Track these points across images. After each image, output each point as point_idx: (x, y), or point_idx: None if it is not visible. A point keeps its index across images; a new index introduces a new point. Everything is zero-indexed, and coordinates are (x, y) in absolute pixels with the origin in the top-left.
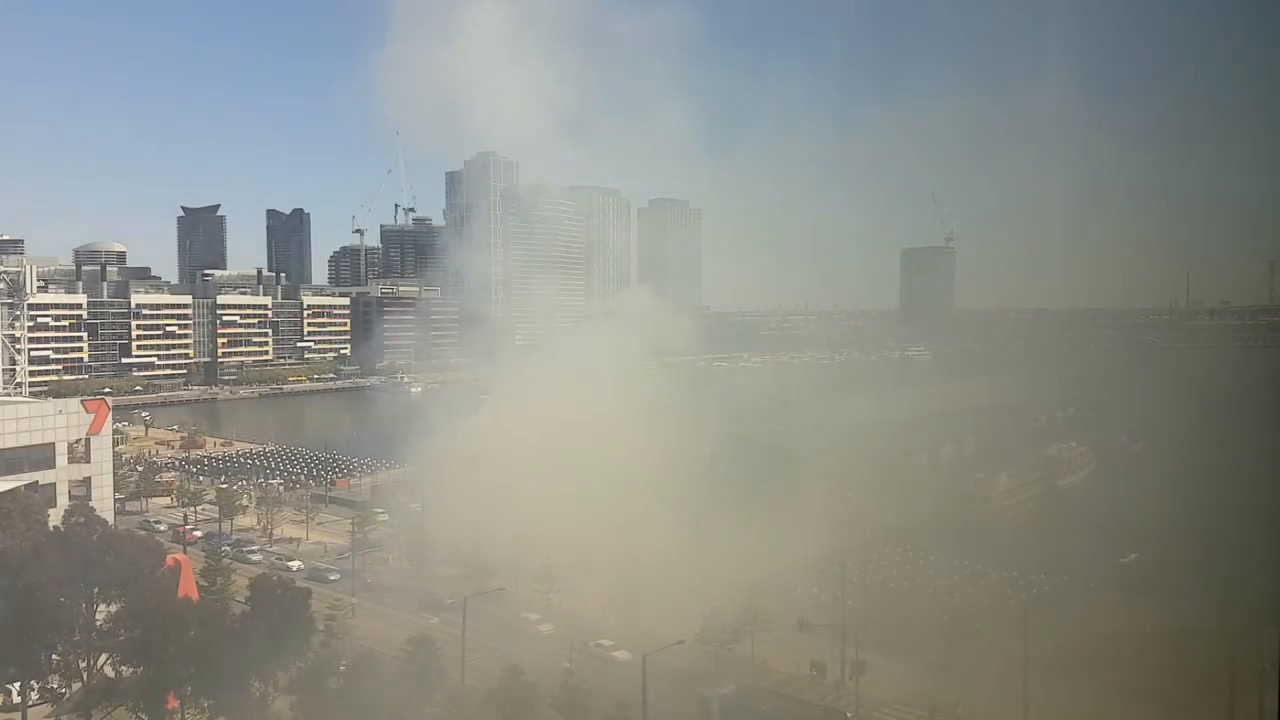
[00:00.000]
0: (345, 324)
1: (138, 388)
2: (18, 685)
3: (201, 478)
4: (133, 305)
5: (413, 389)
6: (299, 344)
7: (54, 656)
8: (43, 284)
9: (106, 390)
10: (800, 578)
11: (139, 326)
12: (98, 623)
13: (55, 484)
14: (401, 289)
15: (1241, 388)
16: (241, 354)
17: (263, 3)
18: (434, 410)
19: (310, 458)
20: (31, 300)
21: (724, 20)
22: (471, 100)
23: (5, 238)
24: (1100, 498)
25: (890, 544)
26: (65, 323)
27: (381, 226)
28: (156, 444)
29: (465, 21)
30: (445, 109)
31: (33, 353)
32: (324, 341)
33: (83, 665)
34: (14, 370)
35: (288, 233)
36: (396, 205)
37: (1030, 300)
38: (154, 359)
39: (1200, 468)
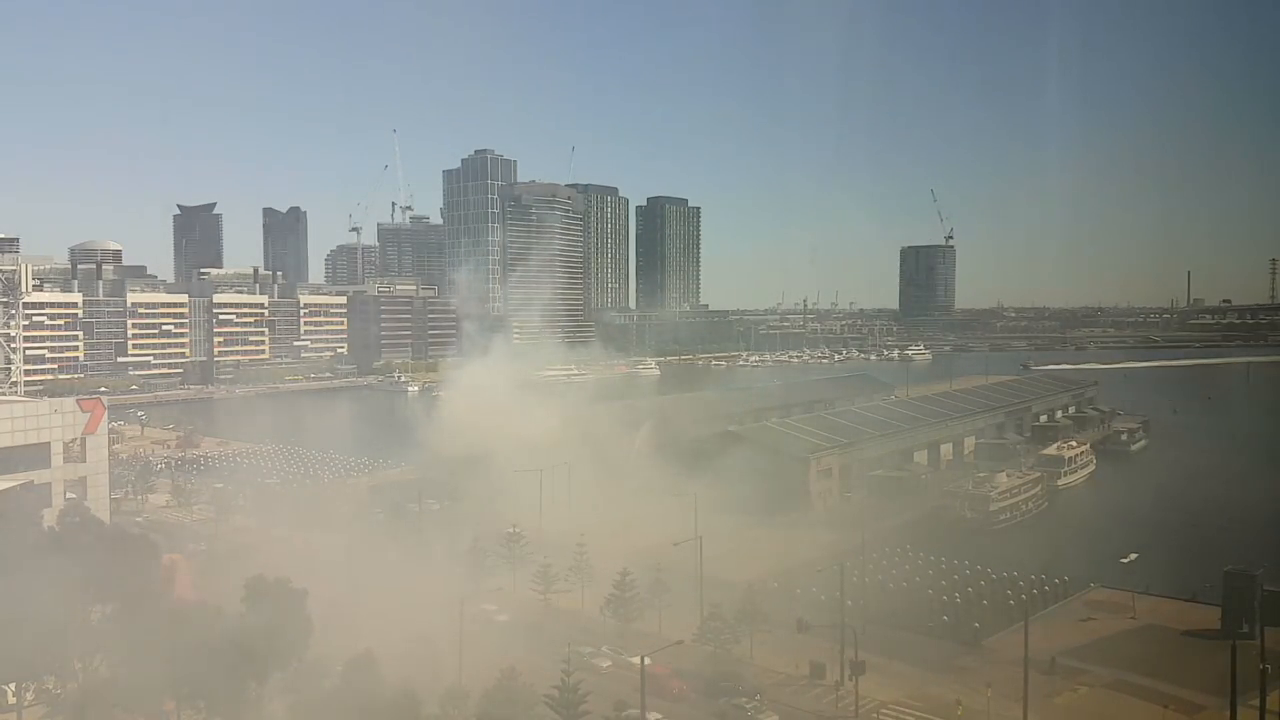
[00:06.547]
0: (342, 323)
1: (133, 387)
2: (13, 686)
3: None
4: (128, 304)
5: (410, 389)
6: (295, 343)
7: (49, 657)
8: (38, 283)
9: (102, 389)
10: (800, 577)
11: (135, 325)
12: (93, 623)
13: (51, 484)
14: (399, 288)
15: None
16: (238, 353)
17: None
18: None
19: (308, 457)
20: (27, 299)
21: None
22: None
23: (0, 236)
24: (1100, 498)
25: (890, 543)
26: (61, 321)
27: (379, 225)
28: (152, 444)
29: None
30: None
31: (28, 351)
32: (321, 340)
33: (78, 666)
34: (9, 369)
35: (284, 231)
36: (394, 204)
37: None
38: (150, 358)
39: (1200, 467)
